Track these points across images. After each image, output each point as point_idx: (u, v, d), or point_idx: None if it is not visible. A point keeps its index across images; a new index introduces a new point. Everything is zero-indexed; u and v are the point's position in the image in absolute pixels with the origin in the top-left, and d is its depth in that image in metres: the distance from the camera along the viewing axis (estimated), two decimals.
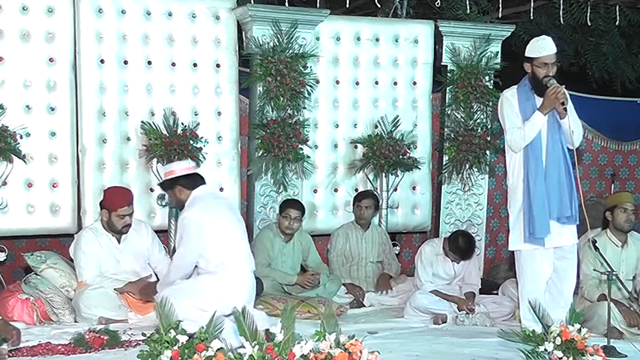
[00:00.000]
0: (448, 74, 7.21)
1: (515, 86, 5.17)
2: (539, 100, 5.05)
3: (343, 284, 6.59)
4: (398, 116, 7.09)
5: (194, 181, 5.08)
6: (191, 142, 6.31)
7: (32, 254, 5.72)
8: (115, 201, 5.62)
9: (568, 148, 5.09)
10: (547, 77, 4.99)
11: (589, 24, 8.17)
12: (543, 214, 5.00)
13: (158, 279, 5.74)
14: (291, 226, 6.40)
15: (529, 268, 5.12)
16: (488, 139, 7.22)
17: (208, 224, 4.83)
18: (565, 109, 4.96)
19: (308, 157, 6.76)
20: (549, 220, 5.02)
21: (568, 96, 5.00)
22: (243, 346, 3.43)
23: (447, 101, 7.25)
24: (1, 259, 6.02)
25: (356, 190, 7.08)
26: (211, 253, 4.79)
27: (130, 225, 5.66)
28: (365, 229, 6.84)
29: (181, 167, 5.15)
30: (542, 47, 5.06)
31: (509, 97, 5.13)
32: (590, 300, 5.70)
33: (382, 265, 6.88)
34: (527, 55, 5.09)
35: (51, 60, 6.07)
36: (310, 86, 6.71)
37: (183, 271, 4.90)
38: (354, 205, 6.85)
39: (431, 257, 6.28)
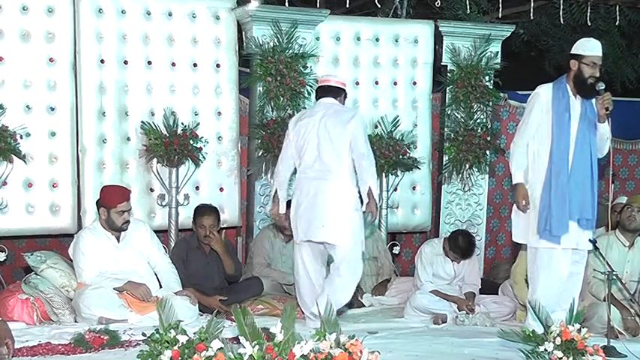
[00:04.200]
0: (448, 74, 7.21)
1: (552, 82, 5.22)
2: (573, 99, 5.12)
3: None
4: (398, 116, 7.09)
5: (318, 93, 5.62)
6: (191, 142, 6.31)
7: (32, 254, 5.71)
8: (114, 198, 5.61)
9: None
10: (592, 77, 5.07)
11: (589, 24, 8.17)
12: (562, 213, 5.03)
13: (158, 280, 5.76)
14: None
15: (544, 269, 5.13)
16: (489, 139, 7.22)
17: (295, 129, 5.47)
18: (607, 115, 5.03)
19: None
20: (569, 220, 5.05)
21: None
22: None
23: (447, 101, 7.25)
24: (1, 259, 6.02)
25: None
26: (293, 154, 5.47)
27: (129, 221, 5.66)
28: None
29: (326, 79, 5.67)
30: (593, 47, 5.15)
31: (542, 93, 5.19)
32: (598, 297, 5.70)
33: (377, 261, 6.87)
34: (575, 52, 5.15)
35: (51, 60, 6.07)
36: (310, 86, 6.69)
37: (282, 171, 5.57)
38: None
39: (431, 257, 6.29)
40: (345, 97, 5.65)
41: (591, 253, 5.38)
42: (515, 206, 5.34)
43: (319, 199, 5.33)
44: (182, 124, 6.34)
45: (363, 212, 5.38)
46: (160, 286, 5.73)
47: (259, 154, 6.61)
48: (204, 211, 6.05)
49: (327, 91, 5.53)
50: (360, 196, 5.35)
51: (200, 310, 5.67)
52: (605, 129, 5.13)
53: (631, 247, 5.93)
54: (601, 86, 5.06)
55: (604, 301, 5.43)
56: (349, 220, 5.34)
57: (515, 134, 5.38)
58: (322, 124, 5.36)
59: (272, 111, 6.61)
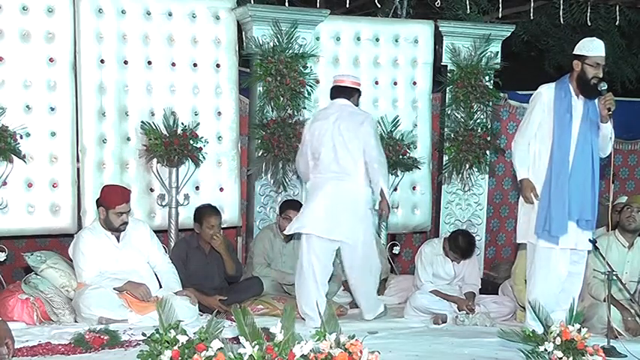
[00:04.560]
0: (448, 74, 7.21)
1: (554, 83, 5.22)
2: (575, 99, 5.11)
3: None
4: (398, 116, 7.09)
5: (333, 93, 5.82)
6: (191, 142, 6.30)
7: (32, 254, 5.71)
8: (113, 198, 5.61)
9: (599, 157, 5.17)
10: (595, 78, 5.06)
11: (589, 24, 8.17)
12: (562, 214, 5.03)
13: (158, 280, 5.76)
14: None
15: (543, 269, 5.13)
16: (489, 139, 7.21)
17: (309, 129, 5.76)
18: (610, 115, 5.02)
19: None
20: (568, 220, 5.05)
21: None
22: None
23: (447, 101, 7.24)
24: (1, 259, 6.01)
25: None
26: (308, 153, 5.71)
27: (127, 223, 5.66)
28: None
29: (340, 79, 5.86)
30: (596, 47, 5.13)
31: (544, 93, 5.19)
32: (597, 298, 5.70)
33: None
34: (579, 53, 5.14)
35: (51, 60, 6.07)
36: (310, 86, 6.70)
37: (301, 165, 5.86)
38: None
39: (431, 257, 6.29)
40: (359, 96, 5.89)
41: (591, 253, 5.39)
42: (520, 206, 5.33)
43: (336, 199, 5.60)
44: (182, 124, 6.34)
45: (376, 211, 5.83)
46: (160, 286, 5.73)
47: (259, 154, 6.61)
48: (212, 211, 6.07)
49: (341, 91, 5.76)
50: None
51: (200, 310, 5.67)
52: (607, 129, 5.12)
53: (630, 248, 5.93)
54: (603, 87, 5.05)
55: (604, 301, 5.44)
56: (363, 220, 5.69)
57: (516, 133, 5.38)
58: (336, 127, 5.61)
59: (272, 111, 6.61)
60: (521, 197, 5.34)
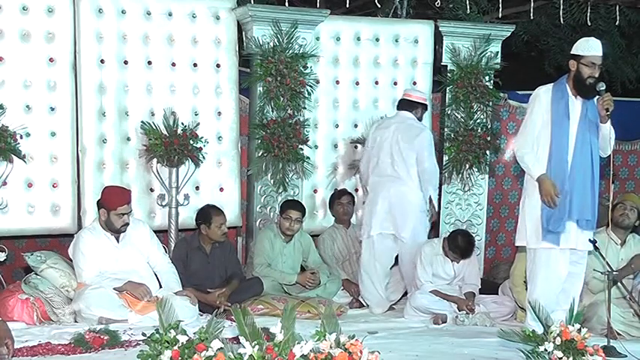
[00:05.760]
0: (448, 74, 7.21)
1: (552, 84, 5.19)
2: (573, 100, 5.09)
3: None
4: None
5: (399, 104, 6.57)
6: (191, 142, 6.30)
7: (32, 254, 5.72)
8: (114, 200, 5.62)
9: (600, 157, 5.14)
10: (591, 78, 5.03)
11: (589, 24, 8.17)
12: (560, 212, 5.01)
13: (158, 280, 5.76)
14: (291, 227, 6.40)
15: (543, 269, 5.12)
16: (488, 139, 7.21)
17: (372, 136, 6.52)
18: (608, 116, 5.00)
19: (308, 157, 6.76)
20: (567, 220, 5.04)
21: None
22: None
23: (447, 101, 7.24)
24: (1, 259, 6.00)
25: (356, 190, 7.09)
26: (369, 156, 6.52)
27: (128, 224, 5.66)
28: (347, 227, 6.89)
29: (408, 93, 6.60)
30: (592, 47, 5.09)
31: (542, 95, 5.17)
32: (597, 291, 5.67)
33: None
34: (575, 52, 5.12)
35: (51, 60, 6.07)
36: (310, 86, 6.70)
37: (362, 166, 6.68)
38: (333, 204, 6.88)
39: (430, 257, 6.29)
40: (424, 110, 6.60)
41: (591, 253, 5.38)
42: (521, 208, 5.30)
43: (394, 200, 6.31)
44: (182, 124, 6.34)
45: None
46: (160, 286, 5.73)
47: (259, 154, 6.61)
48: (219, 210, 6.13)
49: (407, 104, 6.49)
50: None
51: (200, 310, 5.68)
52: (607, 129, 5.10)
53: (623, 245, 5.93)
54: (601, 87, 5.03)
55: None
56: (417, 220, 6.38)
57: (516, 137, 5.33)
58: (394, 137, 6.35)
59: (272, 111, 6.61)
60: (522, 199, 5.32)
